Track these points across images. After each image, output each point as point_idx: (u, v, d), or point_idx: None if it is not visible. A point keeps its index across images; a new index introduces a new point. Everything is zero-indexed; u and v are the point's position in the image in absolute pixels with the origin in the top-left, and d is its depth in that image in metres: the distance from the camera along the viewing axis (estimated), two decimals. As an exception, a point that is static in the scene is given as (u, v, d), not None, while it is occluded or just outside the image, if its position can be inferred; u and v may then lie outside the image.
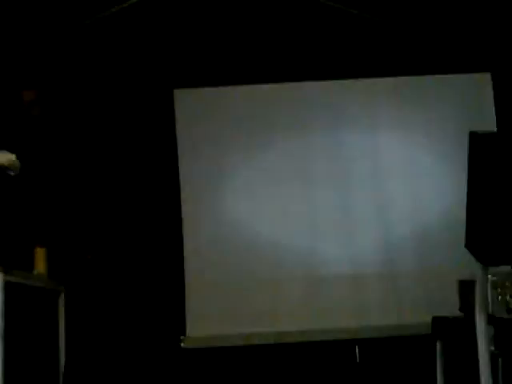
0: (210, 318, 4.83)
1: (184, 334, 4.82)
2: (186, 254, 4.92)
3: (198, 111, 5.06)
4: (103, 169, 4.94)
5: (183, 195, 4.98)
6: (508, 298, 2.57)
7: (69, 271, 4.32)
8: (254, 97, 5.09)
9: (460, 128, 4.91)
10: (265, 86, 5.09)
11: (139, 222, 5.01)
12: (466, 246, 2.26)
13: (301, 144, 5.04)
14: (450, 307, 2.95)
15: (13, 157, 4.17)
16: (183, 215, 4.95)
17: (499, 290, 2.57)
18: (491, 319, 2.39)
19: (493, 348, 2.35)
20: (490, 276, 2.42)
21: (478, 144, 2.21)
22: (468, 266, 2.41)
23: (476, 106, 5.07)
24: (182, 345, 4.80)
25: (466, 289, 2.77)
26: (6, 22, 4.91)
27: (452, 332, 2.78)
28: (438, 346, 2.84)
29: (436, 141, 5.05)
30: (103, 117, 5.08)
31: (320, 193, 5.03)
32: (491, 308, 2.52)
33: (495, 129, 4.91)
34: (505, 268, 2.50)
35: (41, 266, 4.00)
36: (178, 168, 4.99)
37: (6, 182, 4.27)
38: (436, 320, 2.87)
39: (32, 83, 4.55)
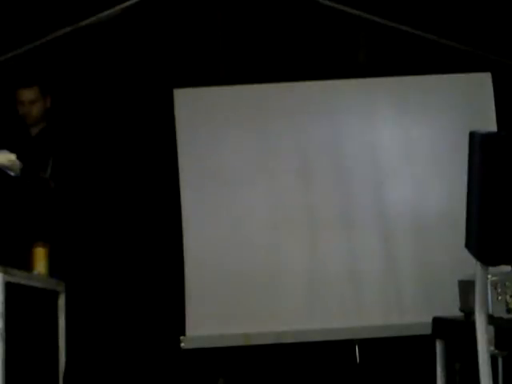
0: (210, 318, 4.83)
1: (184, 334, 4.82)
2: (185, 253, 4.91)
3: (198, 111, 5.06)
4: (103, 169, 4.94)
5: (183, 195, 4.97)
6: (508, 298, 2.57)
7: (69, 271, 4.32)
8: (254, 97, 5.09)
9: (460, 128, 4.92)
10: (265, 86, 5.09)
11: (139, 221, 5.01)
12: (466, 246, 2.26)
13: (301, 143, 5.04)
14: (450, 307, 2.95)
15: (13, 157, 4.18)
16: (183, 215, 4.94)
17: (499, 289, 2.57)
18: (491, 319, 2.38)
19: (493, 348, 2.34)
20: (489, 276, 2.42)
21: (478, 144, 2.21)
22: (468, 266, 2.41)
23: (476, 106, 5.07)
24: (182, 345, 4.79)
25: (465, 289, 2.77)
26: (7, 21, 4.92)
27: (452, 332, 2.78)
28: (438, 346, 2.83)
29: (436, 140, 5.05)
30: (103, 116, 5.08)
31: (319, 192, 5.03)
32: (491, 308, 2.52)
33: (495, 129, 4.91)
34: (505, 268, 2.50)
35: (41, 265, 4.00)
36: (177, 168, 4.99)
37: (5, 182, 4.28)
38: (436, 320, 2.87)
39: (31, 83, 4.54)
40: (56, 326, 4.14)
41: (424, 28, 5.13)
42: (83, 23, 5.02)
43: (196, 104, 5.07)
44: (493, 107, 5.03)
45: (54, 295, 4.17)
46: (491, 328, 2.33)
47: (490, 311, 2.47)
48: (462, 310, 2.83)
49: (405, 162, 5.04)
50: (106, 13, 5.04)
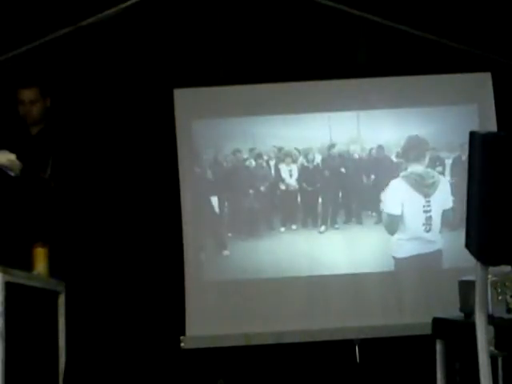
0: (210, 317, 4.83)
1: (184, 334, 4.82)
2: (185, 253, 4.92)
3: (198, 111, 5.06)
4: (103, 169, 4.93)
5: (183, 195, 4.98)
6: (508, 298, 2.57)
7: (69, 271, 4.31)
8: (254, 97, 5.10)
9: (460, 128, 4.92)
10: (265, 86, 5.09)
11: (139, 222, 5.01)
12: (466, 246, 2.26)
13: (301, 143, 5.05)
14: (450, 307, 2.94)
15: (13, 157, 4.18)
16: (183, 215, 4.95)
17: (499, 290, 2.57)
18: (491, 319, 2.38)
19: (493, 348, 2.34)
20: (490, 276, 2.42)
21: (478, 144, 2.21)
22: (468, 266, 2.41)
23: (476, 106, 5.07)
24: (182, 345, 4.80)
25: (465, 289, 2.77)
26: (7, 21, 4.91)
27: (452, 332, 2.78)
28: (438, 346, 2.83)
29: (436, 140, 5.05)
30: (103, 116, 5.08)
31: (320, 192, 5.04)
32: (491, 308, 2.52)
33: (495, 129, 4.91)
34: (505, 268, 2.49)
35: (41, 265, 4.00)
36: (177, 168, 4.99)
37: (5, 182, 4.28)
38: (436, 321, 2.87)
39: (31, 83, 4.54)
40: (56, 326, 4.14)
41: (424, 28, 5.12)
42: (83, 23, 5.02)
43: (196, 104, 5.07)
44: (493, 107, 5.03)
45: (54, 295, 4.17)
46: (491, 328, 2.33)
47: (490, 311, 2.47)
48: (462, 310, 2.83)
49: (405, 162, 5.04)
50: (105, 13, 5.03)
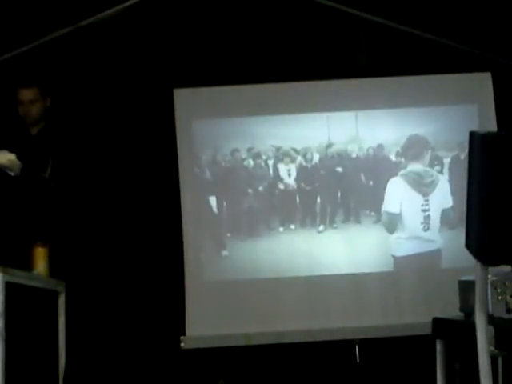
0: (210, 318, 4.83)
1: (184, 334, 4.82)
2: (185, 253, 4.92)
3: (198, 111, 5.06)
4: (103, 169, 4.93)
5: (183, 195, 4.98)
6: (508, 297, 2.57)
7: (69, 271, 4.31)
8: (254, 97, 5.10)
9: (460, 128, 4.92)
10: (264, 86, 5.09)
11: (139, 222, 5.01)
12: (466, 245, 2.26)
13: (301, 143, 5.05)
14: (450, 307, 2.95)
15: (13, 157, 4.18)
16: (183, 215, 4.95)
17: (499, 289, 2.57)
18: (491, 319, 2.38)
19: (493, 348, 2.34)
20: (490, 276, 2.42)
21: (478, 144, 2.21)
22: (468, 265, 2.41)
23: (476, 106, 5.07)
24: (182, 345, 4.80)
25: (465, 289, 2.77)
26: (7, 21, 4.91)
27: (452, 332, 2.78)
28: (438, 346, 2.83)
29: (436, 140, 5.05)
30: (103, 116, 5.08)
31: (319, 192, 5.04)
32: (491, 308, 2.52)
33: (495, 129, 4.91)
34: (505, 268, 2.50)
35: (41, 265, 4.00)
36: (177, 168, 4.99)
37: (5, 182, 4.28)
38: (436, 321, 2.87)
39: (31, 83, 4.54)
40: (56, 326, 4.14)
41: (424, 28, 5.12)
42: (83, 23, 5.02)
43: (196, 104, 5.07)
44: (493, 107, 5.03)
45: (54, 295, 4.17)
46: (491, 328, 2.33)
47: (490, 311, 2.47)
48: (462, 310, 2.83)
49: (404, 161, 5.04)
50: (106, 13, 5.03)
